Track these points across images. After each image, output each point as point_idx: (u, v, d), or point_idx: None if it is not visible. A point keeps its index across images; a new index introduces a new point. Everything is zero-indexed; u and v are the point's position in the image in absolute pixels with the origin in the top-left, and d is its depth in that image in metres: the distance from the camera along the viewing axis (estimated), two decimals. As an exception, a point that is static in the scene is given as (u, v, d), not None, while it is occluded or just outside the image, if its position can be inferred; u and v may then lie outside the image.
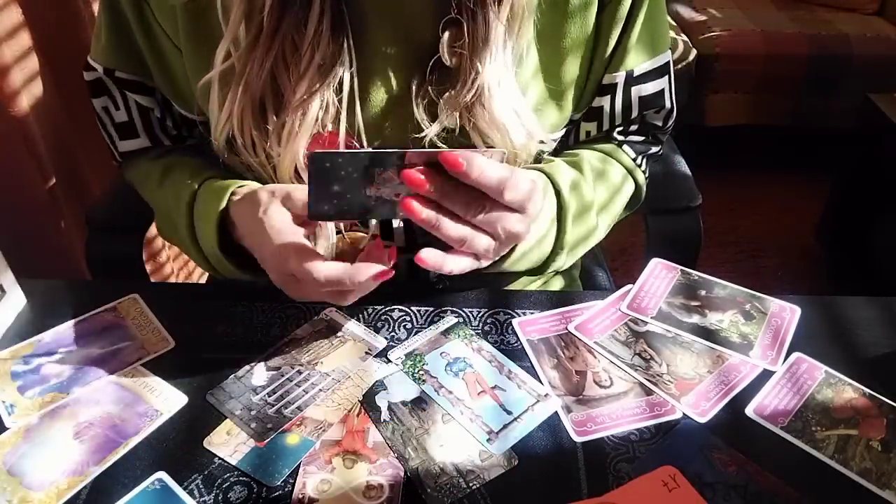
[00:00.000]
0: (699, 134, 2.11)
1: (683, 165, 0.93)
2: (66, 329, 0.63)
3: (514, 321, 0.64)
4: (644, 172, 0.75)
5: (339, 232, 0.68)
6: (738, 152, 2.23)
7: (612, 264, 1.05)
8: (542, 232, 0.63)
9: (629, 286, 0.68)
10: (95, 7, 1.04)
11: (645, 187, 0.76)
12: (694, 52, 2.08)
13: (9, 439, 0.53)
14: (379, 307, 0.65)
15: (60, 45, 0.98)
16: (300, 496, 0.49)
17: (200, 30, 0.61)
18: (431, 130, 0.60)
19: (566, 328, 0.63)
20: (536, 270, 0.67)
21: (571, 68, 0.65)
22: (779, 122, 2.18)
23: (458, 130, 0.61)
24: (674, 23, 2.24)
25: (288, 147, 0.60)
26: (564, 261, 0.67)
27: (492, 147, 0.61)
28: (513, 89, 0.60)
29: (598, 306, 0.66)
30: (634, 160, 0.73)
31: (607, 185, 0.71)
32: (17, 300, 0.65)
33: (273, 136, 0.60)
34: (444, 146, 0.60)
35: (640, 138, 0.73)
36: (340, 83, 0.59)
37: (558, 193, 0.64)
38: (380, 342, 0.62)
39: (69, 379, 0.58)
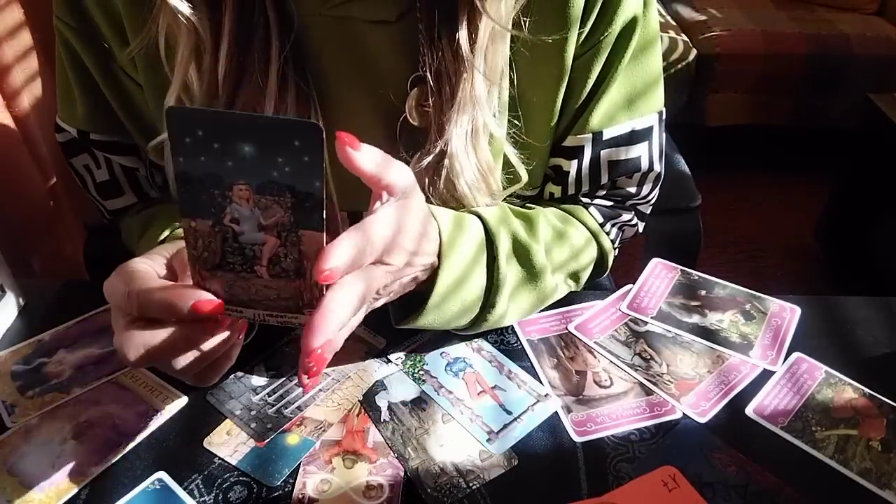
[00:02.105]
0: (699, 134, 2.11)
1: (683, 165, 0.94)
2: (66, 329, 0.63)
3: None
4: (611, 237, 0.69)
5: None
6: (738, 152, 2.23)
7: (611, 264, 1.05)
8: (460, 273, 0.54)
9: (629, 286, 0.68)
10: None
11: (612, 256, 0.70)
12: (694, 52, 2.09)
13: (9, 439, 0.53)
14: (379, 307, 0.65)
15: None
16: (300, 496, 0.49)
17: (158, 77, 0.57)
18: None
19: (566, 328, 0.63)
20: (469, 327, 0.59)
21: (543, 129, 0.62)
22: (779, 121, 2.18)
23: (429, 190, 0.57)
24: (674, 23, 2.24)
25: None
26: (507, 320, 0.60)
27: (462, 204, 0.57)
28: (481, 151, 0.57)
29: (598, 306, 0.66)
30: (602, 225, 0.67)
31: (568, 245, 0.64)
32: (17, 300, 0.65)
33: None
34: None
35: (609, 203, 0.68)
36: None
37: (494, 260, 0.56)
38: (380, 342, 0.62)
39: (69, 379, 0.58)
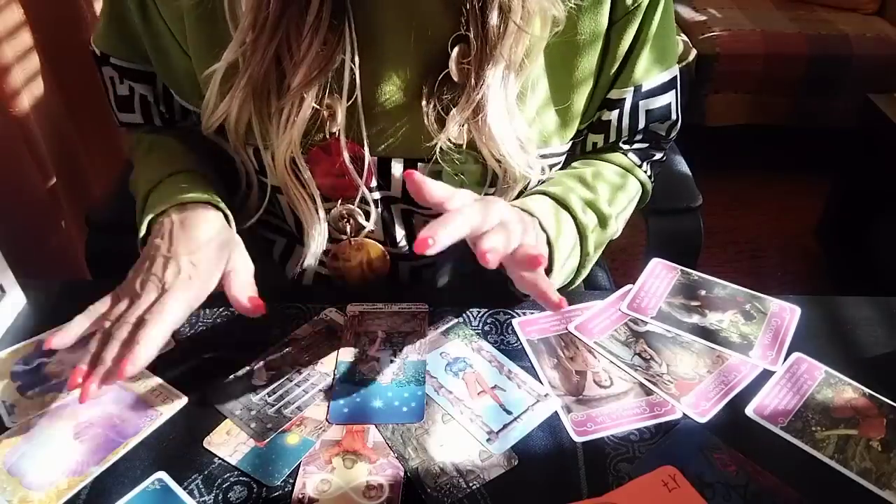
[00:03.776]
0: (699, 134, 2.11)
1: (683, 165, 0.94)
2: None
3: (514, 321, 0.64)
4: (650, 178, 0.76)
5: (345, 236, 0.68)
6: (738, 152, 2.22)
7: (612, 264, 1.05)
8: (568, 250, 0.64)
9: (629, 286, 0.68)
10: (97, 6, 1.04)
11: (650, 186, 0.77)
12: (694, 52, 2.08)
13: (9, 439, 0.53)
14: (379, 306, 0.65)
15: (62, 44, 0.98)
16: (300, 496, 0.49)
17: (208, 33, 0.61)
18: (441, 138, 0.60)
19: (566, 328, 0.63)
20: (567, 286, 0.69)
21: (581, 95, 0.66)
22: (779, 122, 2.18)
23: (465, 144, 0.61)
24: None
25: (285, 134, 0.60)
26: (589, 268, 0.69)
27: (498, 161, 0.62)
28: (515, 117, 0.61)
29: (598, 306, 0.66)
30: (640, 166, 0.74)
31: (625, 195, 0.73)
32: (17, 300, 0.65)
33: (273, 122, 0.60)
34: (455, 154, 0.62)
35: (644, 145, 0.74)
36: (341, 74, 0.59)
37: (574, 217, 0.65)
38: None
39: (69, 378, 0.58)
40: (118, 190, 0.90)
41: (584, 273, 0.68)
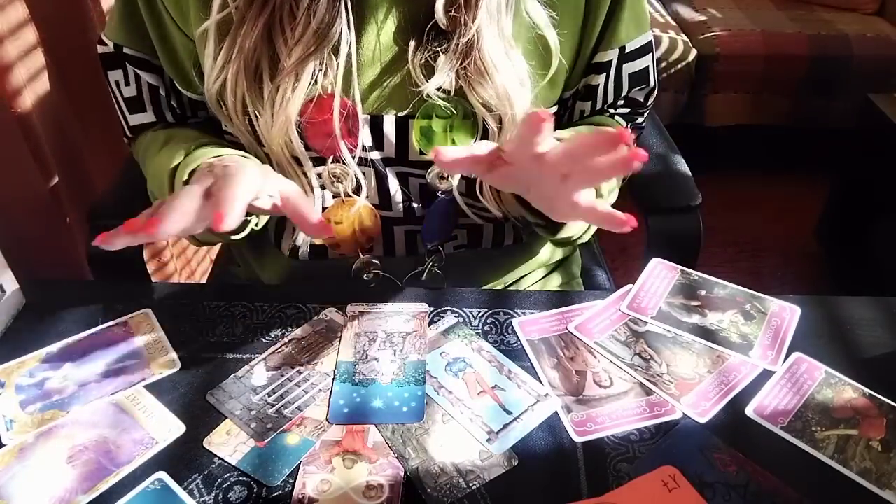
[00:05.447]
0: (699, 134, 2.11)
1: (683, 165, 0.93)
2: (74, 342, 0.61)
3: (514, 321, 0.64)
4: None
5: (335, 196, 0.69)
6: (738, 152, 2.23)
7: (612, 264, 1.05)
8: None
9: (629, 286, 0.68)
10: (104, 4, 1.04)
11: None
12: (694, 52, 2.08)
13: (2, 458, 0.52)
14: (379, 306, 0.65)
15: (65, 42, 0.98)
16: (300, 496, 0.49)
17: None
18: (430, 85, 0.60)
19: (566, 328, 0.63)
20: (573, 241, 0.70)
21: (563, 53, 0.66)
22: (779, 122, 2.18)
23: (453, 92, 0.62)
24: (674, 23, 2.24)
25: (280, 111, 0.60)
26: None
27: (488, 108, 0.63)
28: (512, 52, 0.61)
29: (598, 306, 0.66)
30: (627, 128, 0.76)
31: None
32: (16, 300, 0.65)
33: (267, 100, 0.61)
34: (446, 105, 0.62)
35: (627, 110, 0.75)
36: (336, 47, 0.60)
37: None
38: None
39: (70, 396, 0.57)
40: (120, 188, 0.90)
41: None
